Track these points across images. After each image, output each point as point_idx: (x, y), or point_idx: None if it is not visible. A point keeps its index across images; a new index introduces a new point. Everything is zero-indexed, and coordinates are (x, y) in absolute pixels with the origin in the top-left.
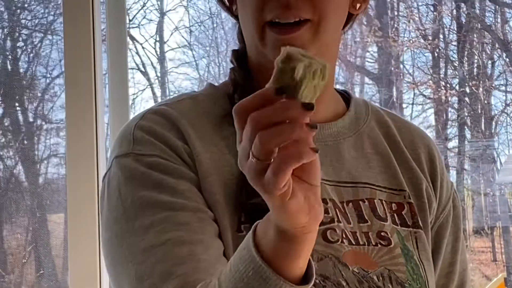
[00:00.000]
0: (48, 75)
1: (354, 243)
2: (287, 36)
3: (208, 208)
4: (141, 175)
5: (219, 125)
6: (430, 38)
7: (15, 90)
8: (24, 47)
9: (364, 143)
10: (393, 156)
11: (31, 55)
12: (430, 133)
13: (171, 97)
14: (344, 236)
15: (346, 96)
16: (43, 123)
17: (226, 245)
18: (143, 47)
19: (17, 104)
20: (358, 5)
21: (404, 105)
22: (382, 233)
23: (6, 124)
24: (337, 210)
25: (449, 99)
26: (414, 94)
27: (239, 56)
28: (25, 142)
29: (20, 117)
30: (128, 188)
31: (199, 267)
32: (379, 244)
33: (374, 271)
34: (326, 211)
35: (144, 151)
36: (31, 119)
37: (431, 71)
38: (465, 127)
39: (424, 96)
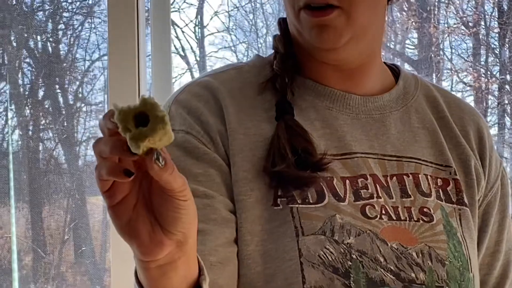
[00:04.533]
0: (88, 58)
1: (394, 219)
2: (319, 19)
3: (230, 186)
4: None
5: (262, 93)
6: (471, 25)
7: (56, 72)
8: (65, 30)
9: (411, 118)
10: (440, 132)
11: (72, 38)
12: None
13: (218, 67)
14: (383, 212)
15: (396, 70)
16: (83, 105)
17: (254, 220)
18: (183, 31)
19: (57, 86)
20: None
21: None
22: (425, 209)
23: (46, 106)
24: (377, 185)
25: (489, 86)
26: (454, 81)
27: (284, 25)
28: (65, 124)
29: (61, 99)
30: None
31: None
32: (420, 220)
33: (414, 247)
34: (366, 187)
35: (174, 126)
36: (71, 101)
37: (471, 58)
38: (505, 115)
39: (464, 83)
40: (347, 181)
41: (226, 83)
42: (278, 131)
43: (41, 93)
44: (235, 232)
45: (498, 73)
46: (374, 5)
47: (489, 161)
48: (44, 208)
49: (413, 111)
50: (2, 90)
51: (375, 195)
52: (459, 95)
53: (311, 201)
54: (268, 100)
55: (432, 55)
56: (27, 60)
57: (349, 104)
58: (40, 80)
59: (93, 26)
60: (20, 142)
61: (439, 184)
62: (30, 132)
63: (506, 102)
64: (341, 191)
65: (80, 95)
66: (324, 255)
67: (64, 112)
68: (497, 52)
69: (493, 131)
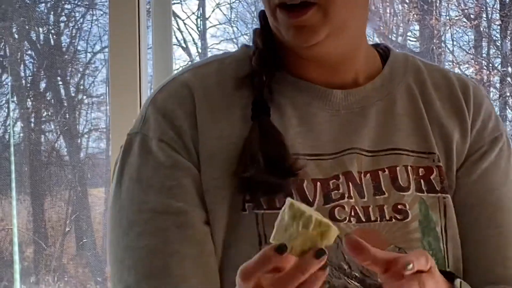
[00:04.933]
0: (90, 50)
1: (363, 220)
2: (295, 20)
3: (202, 195)
4: (138, 167)
5: (240, 89)
6: (473, 17)
7: (57, 64)
8: (67, 22)
9: (396, 106)
10: (426, 116)
11: (74, 30)
12: None
13: (203, 59)
14: (353, 213)
15: (386, 52)
16: (84, 97)
17: (225, 227)
18: (184, 23)
19: (59, 78)
20: None
21: None
22: (399, 206)
23: (48, 98)
24: (350, 183)
25: (491, 79)
26: None
27: (265, 19)
28: (67, 116)
29: (62, 91)
30: (126, 176)
31: (170, 283)
32: (393, 219)
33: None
34: (337, 188)
35: (149, 132)
36: (72, 94)
37: (473, 50)
38: (507, 107)
39: (466, 75)
40: (318, 184)
41: (204, 79)
42: (252, 133)
43: (42, 85)
44: (212, 244)
45: (500, 65)
46: (353, 1)
47: (471, 125)
48: (45, 200)
49: (398, 97)
50: (4, 82)
51: (346, 195)
52: None
53: (277, 206)
54: (246, 97)
55: (434, 48)
56: (29, 52)
57: (330, 100)
58: (42, 72)
59: (94, 18)
60: (22, 134)
61: (420, 174)
62: (32, 124)
63: (508, 94)
64: (310, 194)
65: (82, 87)
66: None
67: (65, 104)
68: (499, 45)
69: None
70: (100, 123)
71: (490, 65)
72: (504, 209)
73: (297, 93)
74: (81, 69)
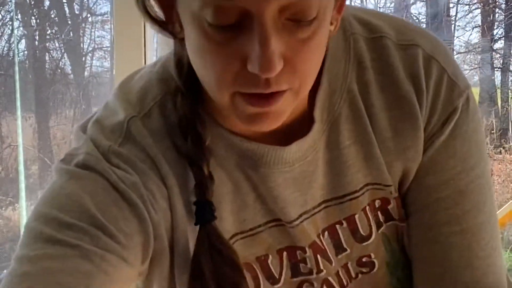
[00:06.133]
0: None
1: None
2: (264, 109)
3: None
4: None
5: (183, 164)
6: None
7: None
8: None
9: (341, 133)
10: (374, 137)
11: None
12: (476, 33)
13: (138, 92)
14: (325, 286)
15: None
16: (89, 15)
17: None
18: None
19: None
20: (333, 26)
21: (451, 5)
22: (364, 259)
23: (52, 15)
24: (318, 255)
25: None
26: None
27: (188, 67)
28: (71, 34)
29: (66, 9)
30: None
31: None
32: (359, 274)
33: None
34: (304, 261)
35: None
36: (77, 12)
37: None
38: None
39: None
40: (284, 253)
41: (161, 145)
42: (200, 247)
43: (47, 2)
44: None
45: None
46: (319, 57)
47: (429, 115)
48: (50, 118)
49: (342, 120)
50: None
51: (314, 271)
52: (466, 8)
53: None
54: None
55: None
56: None
57: (283, 157)
58: None
59: None
60: (26, 52)
61: (377, 206)
62: (36, 42)
63: None
64: (276, 270)
65: (86, 5)
66: None
67: (69, 22)
68: None
69: (499, 44)
70: (104, 42)
71: None
72: (464, 200)
73: (241, 159)
74: None
